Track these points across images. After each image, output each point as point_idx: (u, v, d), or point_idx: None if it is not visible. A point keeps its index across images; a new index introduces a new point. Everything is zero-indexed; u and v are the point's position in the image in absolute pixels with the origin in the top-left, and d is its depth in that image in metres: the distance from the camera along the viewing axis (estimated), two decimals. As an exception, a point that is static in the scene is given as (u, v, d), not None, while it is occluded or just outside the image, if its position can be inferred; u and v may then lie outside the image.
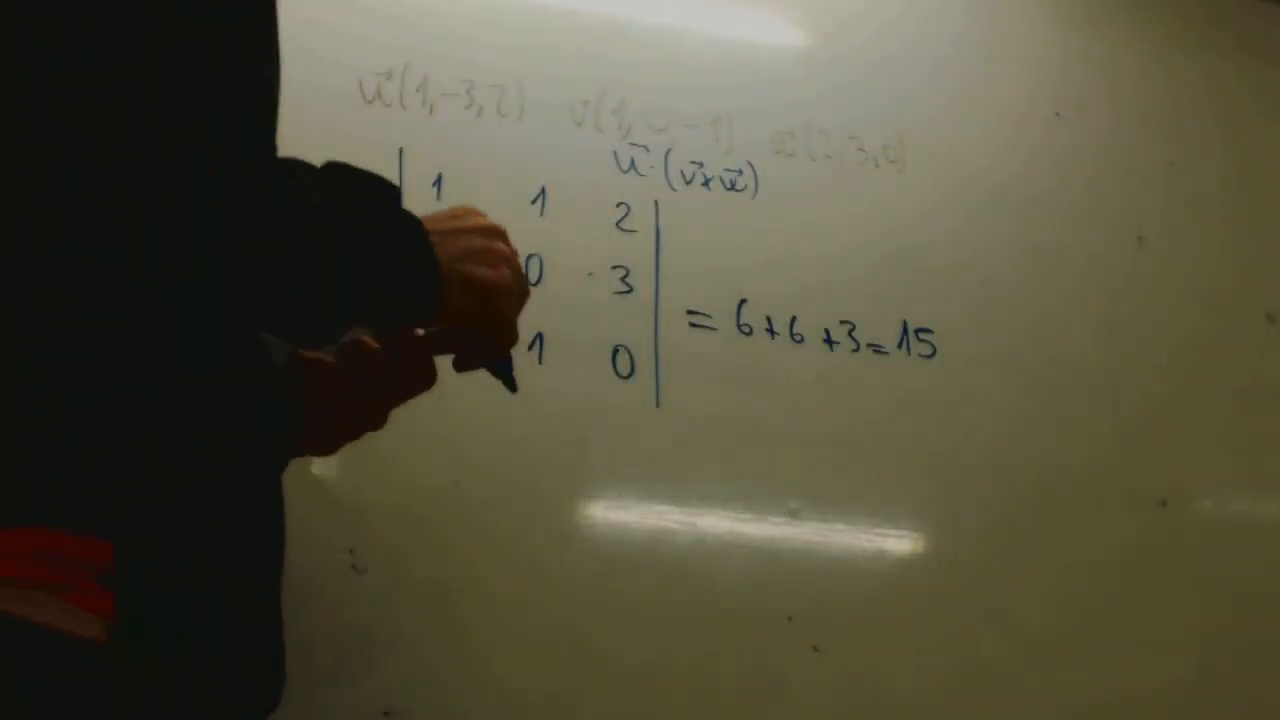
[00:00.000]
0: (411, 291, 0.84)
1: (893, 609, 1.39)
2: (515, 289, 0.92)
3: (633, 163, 1.44)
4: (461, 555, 1.27)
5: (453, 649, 1.25)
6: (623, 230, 1.42)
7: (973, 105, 1.60)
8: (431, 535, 1.27)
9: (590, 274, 1.39)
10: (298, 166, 0.78)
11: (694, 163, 1.46)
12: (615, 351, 1.37)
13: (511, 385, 0.99)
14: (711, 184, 1.46)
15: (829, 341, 1.45)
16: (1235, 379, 1.59)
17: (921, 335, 1.48)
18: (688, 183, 1.46)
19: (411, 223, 0.83)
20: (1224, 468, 1.57)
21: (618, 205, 1.43)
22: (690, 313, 1.41)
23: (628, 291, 1.40)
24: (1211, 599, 1.49)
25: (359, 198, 0.80)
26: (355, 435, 0.99)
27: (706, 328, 1.41)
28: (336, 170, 0.80)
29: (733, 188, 1.47)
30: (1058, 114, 1.63)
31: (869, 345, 1.46)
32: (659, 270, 1.41)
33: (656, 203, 1.44)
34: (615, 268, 1.40)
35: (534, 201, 1.39)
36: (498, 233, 0.91)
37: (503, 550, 1.28)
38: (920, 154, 1.55)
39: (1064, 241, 1.58)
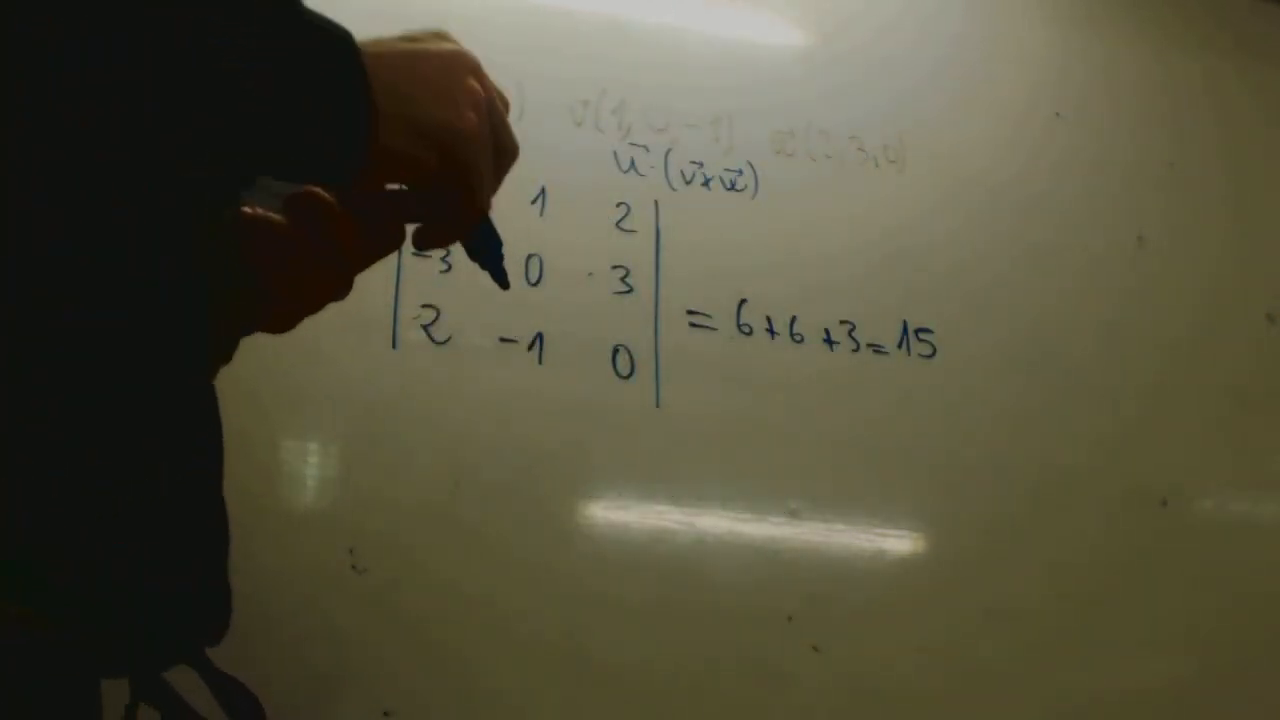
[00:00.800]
0: (326, 136, 0.64)
1: (893, 609, 1.39)
2: (489, 139, 0.72)
3: (633, 163, 1.44)
4: (461, 555, 1.27)
5: (452, 649, 1.25)
6: (623, 230, 1.42)
7: (973, 105, 1.60)
8: (431, 535, 1.27)
9: (590, 274, 1.39)
10: None
11: (694, 163, 1.46)
12: (615, 351, 1.37)
13: (502, 280, 0.82)
14: (711, 184, 1.46)
15: (829, 341, 1.45)
16: (1235, 379, 1.59)
17: (921, 335, 1.48)
18: (688, 183, 1.46)
19: (336, 38, 0.64)
20: (1224, 468, 1.57)
21: (618, 205, 1.43)
22: (690, 313, 1.41)
23: (628, 291, 1.40)
24: (1211, 599, 1.49)
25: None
26: (317, 306, 0.82)
27: (706, 328, 1.41)
28: None
29: (733, 188, 1.47)
30: (1058, 114, 1.63)
31: (869, 345, 1.46)
32: (659, 270, 1.41)
33: (656, 203, 1.44)
34: (615, 268, 1.40)
35: (534, 201, 1.39)
36: (467, 64, 0.72)
37: (503, 550, 1.28)
38: (920, 154, 1.55)
39: (1064, 241, 1.58)
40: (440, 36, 0.72)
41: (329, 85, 0.63)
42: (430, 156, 0.69)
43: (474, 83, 0.72)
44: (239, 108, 0.61)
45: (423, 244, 0.76)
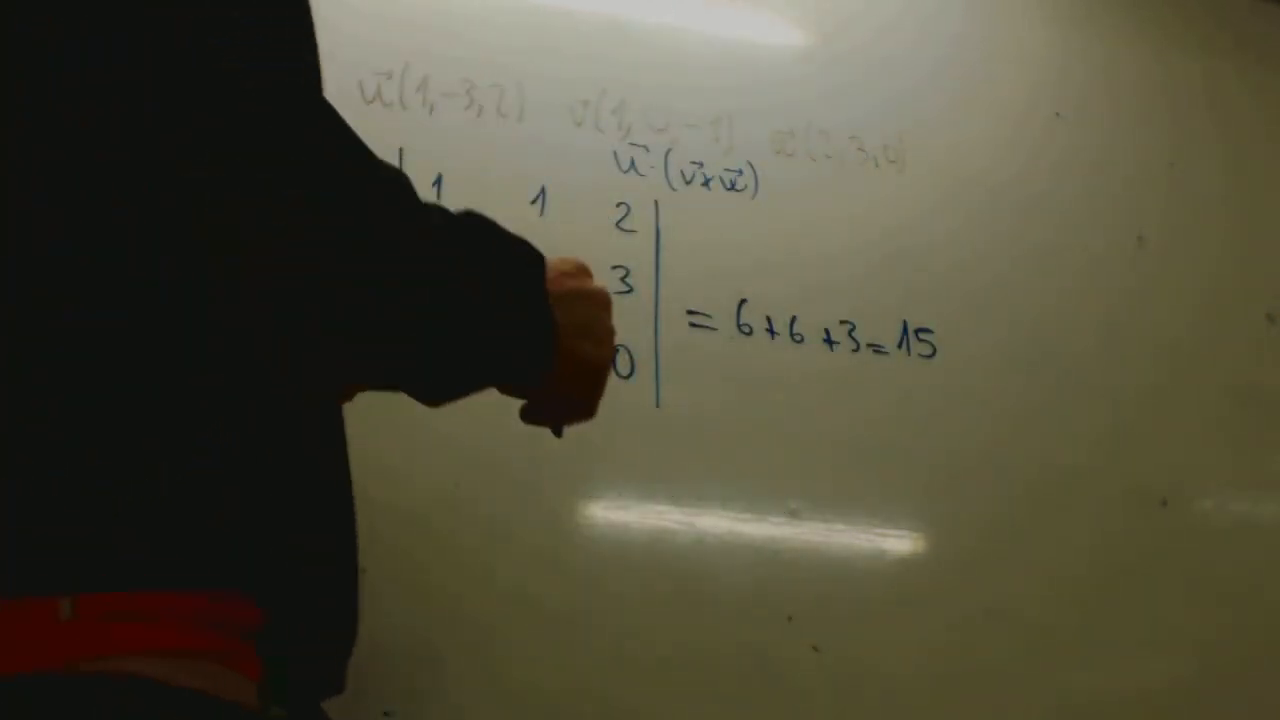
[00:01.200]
0: (523, 365, 0.80)
1: (893, 609, 1.39)
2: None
3: (633, 163, 1.44)
4: (461, 555, 1.27)
5: (452, 649, 1.25)
6: (623, 230, 1.42)
7: (973, 105, 1.60)
8: (432, 535, 1.27)
9: (590, 274, 1.39)
10: (434, 212, 0.76)
11: (694, 163, 1.46)
12: (615, 352, 1.37)
13: (559, 431, 0.95)
14: (711, 184, 1.46)
15: (829, 341, 1.45)
16: (1235, 379, 1.59)
17: (921, 335, 1.48)
18: (688, 183, 1.46)
19: (536, 290, 0.78)
20: (1224, 468, 1.57)
21: (618, 205, 1.43)
22: (690, 313, 1.41)
23: (628, 291, 1.40)
24: (1211, 599, 1.49)
25: (492, 255, 0.76)
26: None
27: (706, 328, 1.41)
28: (475, 224, 0.77)
29: (733, 188, 1.47)
30: (1058, 114, 1.63)
31: (869, 345, 1.46)
32: (659, 270, 1.41)
33: (656, 203, 1.44)
34: (615, 268, 1.40)
35: (534, 201, 1.39)
36: (607, 303, 0.87)
37: (503, 550, 1.28)
38: (920, 154, 1.55)
39: (1064, 241, 1.58)
40: (584, 271, 0.85)
41: (528, 321, 0.78)
42: (580, 386, 0.85)
43: (608, 318, 0.87)
44: (463, 339, 0.75)
45: (530, 422, 0.88)
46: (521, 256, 0.79)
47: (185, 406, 0.73)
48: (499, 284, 0.76)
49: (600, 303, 0.85)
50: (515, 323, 0.77)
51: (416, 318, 0.72)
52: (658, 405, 1.37)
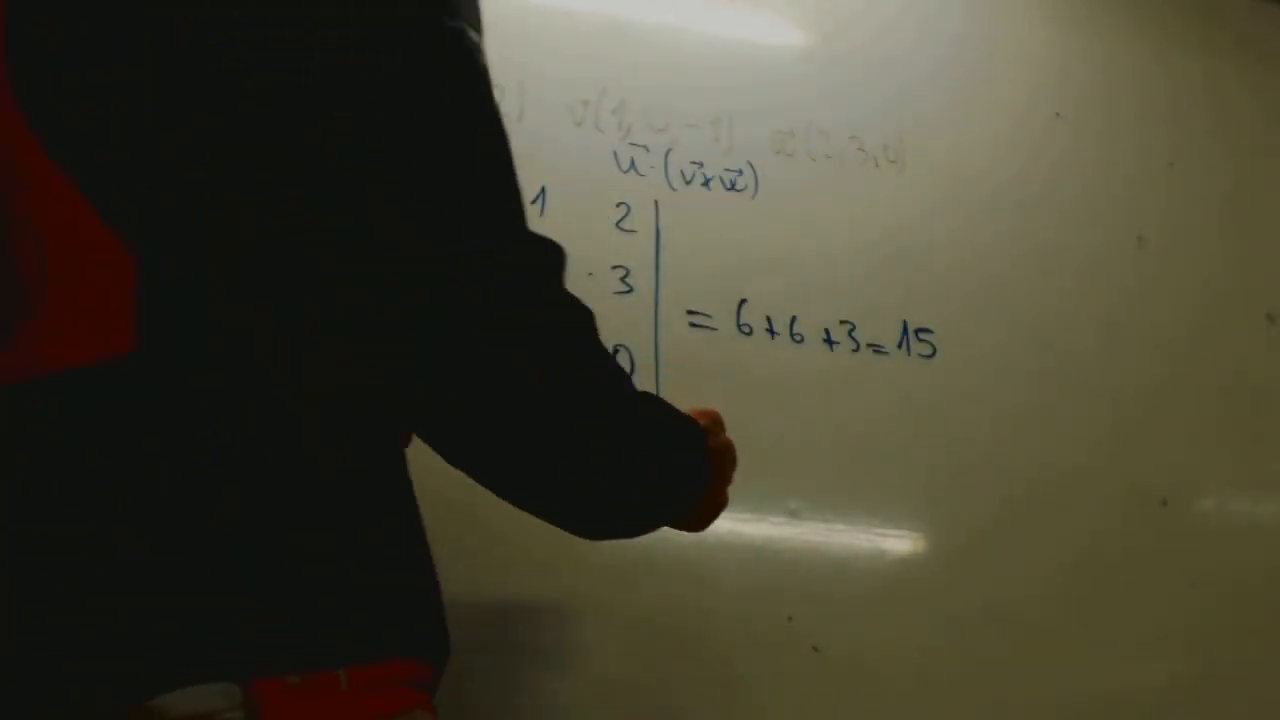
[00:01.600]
0: (681, 513, 0.97)
1: (892, 609, 1.39)
2: None
3: (633, 163, 1.44)
4: (460, 555, 1.27)
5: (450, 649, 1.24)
6: (623, 230, 1.42)
7: (973, 105, 1.60)
8: (430, 535, 1.27)
9: (590, 274, 1.39)
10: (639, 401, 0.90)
11: (694, 163, 1.47)
12: (615, 351, 1.37)
13: None
14: (711, 184, 1.47)
15: (829, 341, 1.45)
16: (1235, 379, 1.59)
17: (921, 335, 1.49)
18: (688, 183, 1.46)
19: (701, 469, 0.94)
20: (1224, 468, 1.57)
21: (618, 205, 1.43)
22: (690, 313, 1.41)
23: (628, 291, 1.40)
24: (1211, 599, 1.49)
25: (672, 437, 0.91)
26: None
27: (706, 328, 1.42)
28: (656, 406, 0.92)
29: (733, 188, 1.47)
30: (1058, 114, 1.63)
31: (869, 345, 1.46)
32: (659, 270, 1.41)
33: (656, 203, 1.44)
34: (615, 268, 1.40)
35: (534, 201, 1.39)
36: (732, 452, 1.01)
37: (501, 550, 1.28)
38: (920, 154, 1.55)
39: (1064, 241, 1.58)
40: (719, 425, 1.00)
41: (695, 490, 0.96)
42: (703, 519, 1.02)
43: (733, 470, 1.02)
44: (652, 503, 0.93)
45: None
46: (691, 434, 0.93)
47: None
48: (677, 458, 0.92)
49: (731, 458, 1.01)
50: (687, 491, 0.95)
51: (627, 492, 0.89)
52: (658, 405, 1.37)
